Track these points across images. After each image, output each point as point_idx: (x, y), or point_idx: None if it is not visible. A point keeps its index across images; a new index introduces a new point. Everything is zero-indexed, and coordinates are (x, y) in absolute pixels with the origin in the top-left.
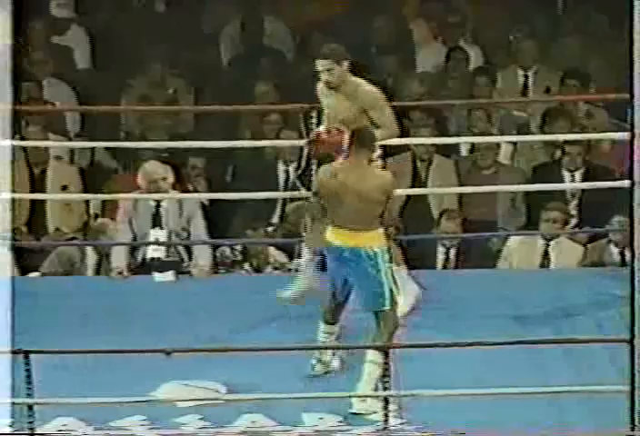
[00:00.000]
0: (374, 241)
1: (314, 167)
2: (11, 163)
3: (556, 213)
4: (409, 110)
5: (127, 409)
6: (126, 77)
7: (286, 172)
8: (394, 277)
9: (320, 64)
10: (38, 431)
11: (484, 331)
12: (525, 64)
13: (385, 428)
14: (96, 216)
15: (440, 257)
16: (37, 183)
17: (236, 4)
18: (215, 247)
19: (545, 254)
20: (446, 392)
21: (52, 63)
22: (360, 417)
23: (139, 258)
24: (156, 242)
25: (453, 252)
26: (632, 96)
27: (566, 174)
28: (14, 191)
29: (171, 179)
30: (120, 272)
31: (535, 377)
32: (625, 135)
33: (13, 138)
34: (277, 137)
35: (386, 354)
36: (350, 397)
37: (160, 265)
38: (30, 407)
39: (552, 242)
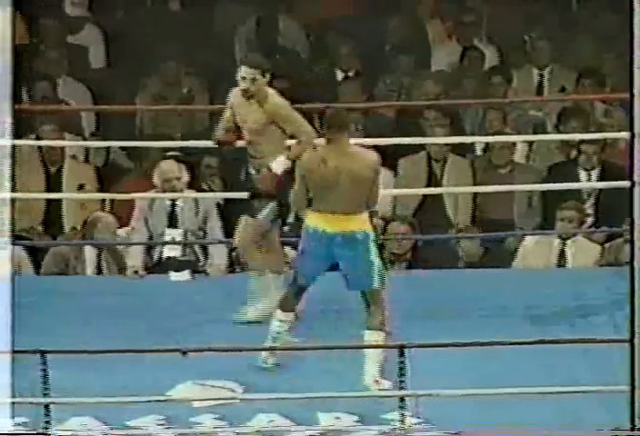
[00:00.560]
0: (363, 223)
1: None
2: (26, 162)
3: (572, 213)
4: (424, 109)
5: (143, 408)
6: (141, 76)
7: None
8: (382, 257)
9: (246, 73)
10: (54, 430)
11: (499, 330)
12: (540, 63)
13: (401, 427)
14: None
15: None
16: (53, 183)
17: (251, 3)
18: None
19: (562, 254)
20: (463, 392)
21: (66, 62)
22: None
23: (155, 257)
24: (168, 242)
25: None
26: (632, 96)
27: (582, 173)
28: (25, 191)
29: (186, 178)
30: (136, 272)
31: (548, 376)
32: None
33: (27, 137)
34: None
35: (402, 353)
36: (364, 397)
37: (176, 264)
38: (47, 406)
39: (568, 242)
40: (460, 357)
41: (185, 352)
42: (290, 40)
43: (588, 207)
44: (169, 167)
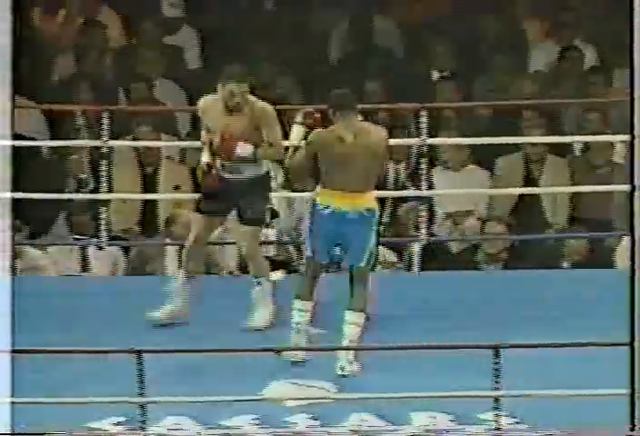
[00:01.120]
0: (372, 201)
1: (423, 166)
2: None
3: None
4: (521, 110)
5: (238, 408)
6: None
7: (396, 170)
8: (378, 240)
9: (237, 88)
10: (150, 430)
11: (601, 330)
12: None
13: (496, 428)
14: None
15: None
16: (149, 183)
17: (346, 2)
18: None
19: None
20: (555, 393)
21: (163, 63)
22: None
23: None
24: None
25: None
26: (632, 98)
27: None
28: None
29: (280, 178)
30: (230, 272)
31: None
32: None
33: (124, 138)
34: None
35: (497, 354)
36: (458, 397)
37: (271, 264)
38: (142, 406)
39: None
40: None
41: (278, 352)
42: (385, 40)
43: None
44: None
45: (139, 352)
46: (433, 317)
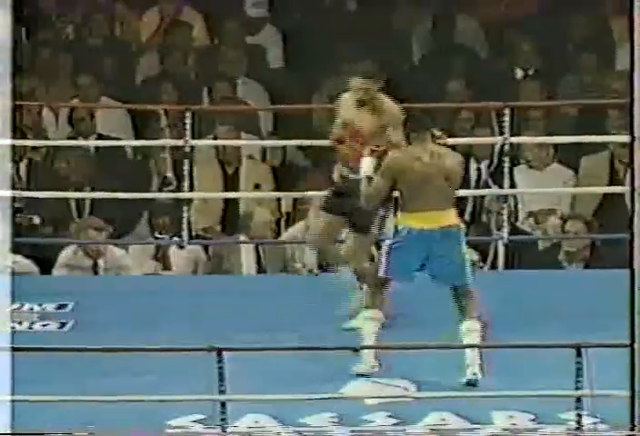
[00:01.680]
0: (456, 218)
1: (506, 165)
2: (205, 162)
3: None
4: (607, 109)
5: (316, 406)
6: (319, 76)
7: (478, 169)
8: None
9: (360, 83)
10: (230, 427)
11: None
12: None
13: (578, 427)
14: (288, 215)
15: None
16: (230, 183)
17: (428, 1)
18: None
19: None
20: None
21: (246, 62)
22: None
23: None
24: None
25: None
26: (632, 99)
27: None
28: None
29: None
30: (311, 270)
31: None
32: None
33: (205, 138)
34: (470, 135)
35: (579, 353)
36: (539, 397)
37: None
38: (223, 404)
39: None
40: None
41: (356, 350)
42: (468, 39)
43: None
44: None
45: (219, 350)
46: (516, 315)
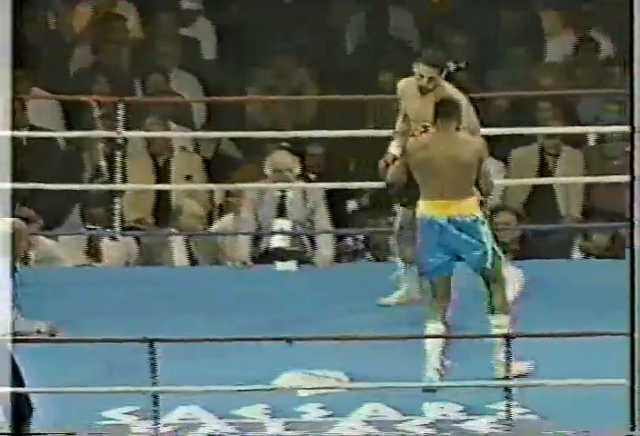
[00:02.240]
0: (470, 207)
1: None
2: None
3: None
4: (537, 101)
5: (249, 398)
6: (252, 68)
7: None
8: (496, 238)
9: (425, 71)
10: (162, 419)
11: None
12: None
13: (507, 418)
14: (220, 207)
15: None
16: (162, 174)
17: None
18: (338, 237)
19: None
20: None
21: (179, 54)
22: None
23: (262, 248)
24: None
25: None
26: (632, 92)
27: None
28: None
29: (297, 170)
30: (244, 262)
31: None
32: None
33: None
34: None
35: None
36: (470, 387)
37: (283, 255)
38: (155, 396)
39: None
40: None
41: (290, 341)
42: (400, 31)
43: None
44: (282, 159)
45: (150, 341)
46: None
